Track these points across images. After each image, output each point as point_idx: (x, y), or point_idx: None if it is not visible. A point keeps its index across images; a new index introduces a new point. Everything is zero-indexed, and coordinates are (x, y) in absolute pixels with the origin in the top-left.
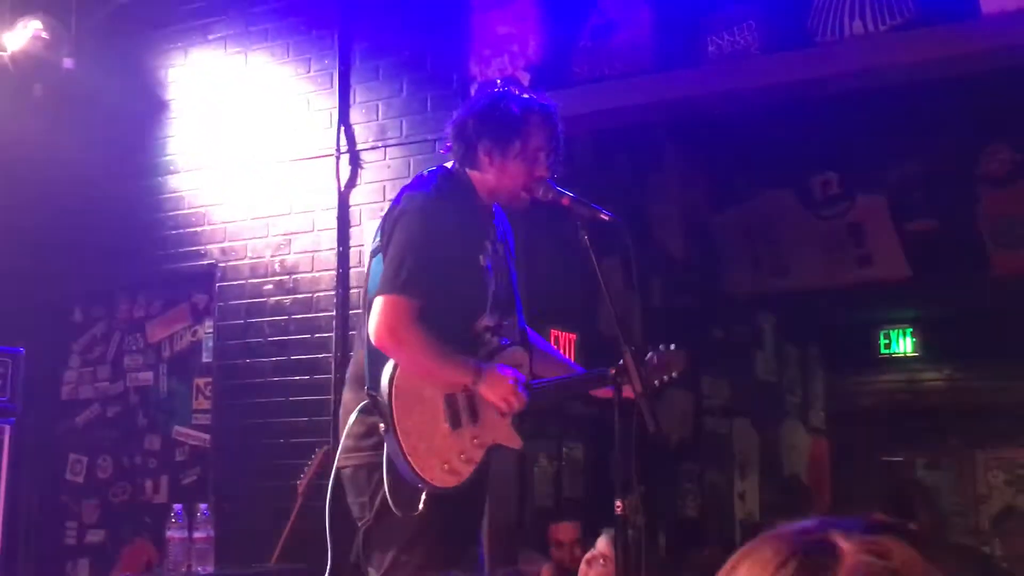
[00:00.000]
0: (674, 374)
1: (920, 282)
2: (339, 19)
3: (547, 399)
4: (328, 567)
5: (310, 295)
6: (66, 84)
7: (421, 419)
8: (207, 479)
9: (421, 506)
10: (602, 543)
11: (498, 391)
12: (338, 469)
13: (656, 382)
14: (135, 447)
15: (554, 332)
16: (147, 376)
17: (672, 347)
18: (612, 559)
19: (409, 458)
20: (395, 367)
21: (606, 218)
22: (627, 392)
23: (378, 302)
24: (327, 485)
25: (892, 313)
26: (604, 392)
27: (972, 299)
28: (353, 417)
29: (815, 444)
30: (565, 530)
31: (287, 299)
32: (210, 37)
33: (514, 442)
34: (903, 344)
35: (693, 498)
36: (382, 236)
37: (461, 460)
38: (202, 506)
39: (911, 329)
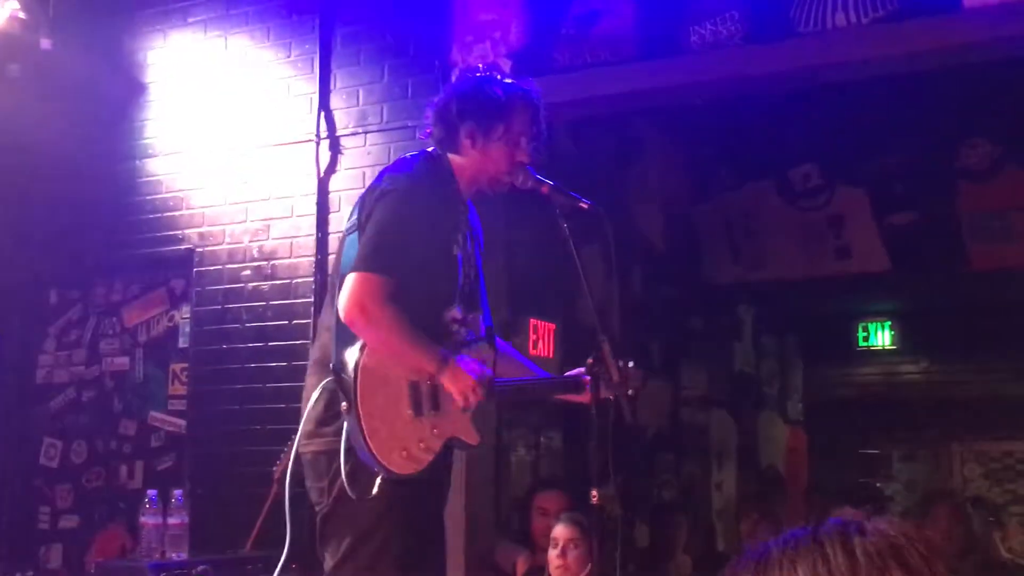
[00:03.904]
0: (630, 392)
1: (899, 275)
2: (321, 3)
3: (509, 398)
4: (284, 552)
5: (288, 281)
6: (43, 65)
7: (384, 402)
8: (182, 465)
9: (375, 490)
10: (561, 530)
11: (459, 384)
12: (299, 454)
13: (611, 397)
14: (110, 432)
15: (533, 321)
16: (123, 361)
17: (631, 364)
18: (577, 539)
19: (368, 440)
20: (363, 347)
21: (586, 207)
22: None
23: (351, 278)
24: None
25: (871, 306)
26: (571, 397)
27: (950, 293)
28: (314, 397)
29: (792, 435)
30: (551, 499)
31: (265, 285)
32: (190, 20)
33: (471, 438)
34: (881, 337)
35: (670, 488)
36: (360, 215)
37: (420, 448)
38: (177, 492)
39: (889, 322)
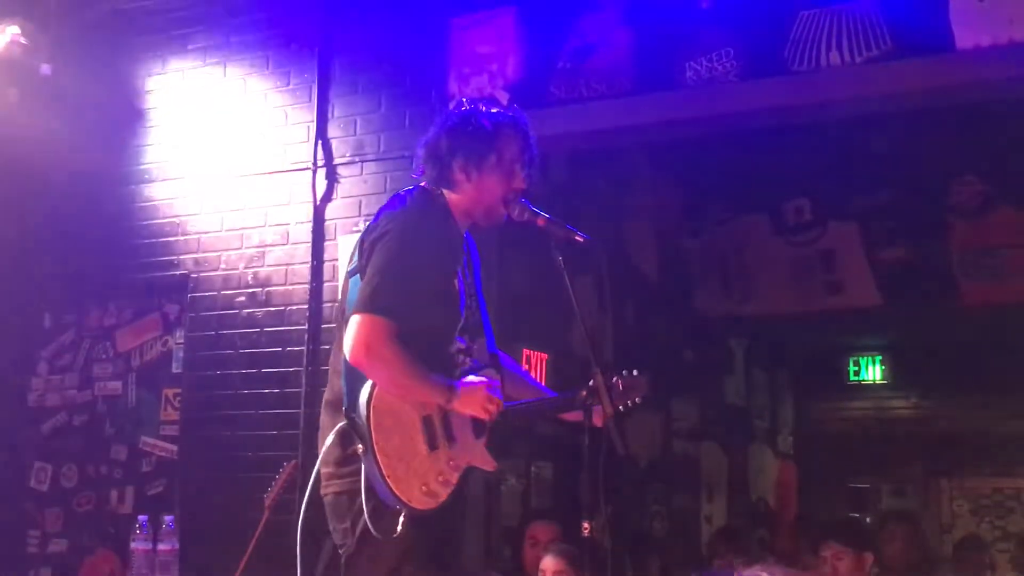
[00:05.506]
0: (637, 399)
1: (890, 310)
2: (319, 33)
3: (519, 420)
4: None
5: (282, 308)
6: (43, 90)
7: (400, 440)
8: (173, 490)
9: (400, 528)
10: (549, 561)
11: (474, 401)
12: (320, 497)
13: (620, 407)
14: (101, 456)
15: (527, 351)
16: (115, 385)
17: (635, 372)
18: (565, 571)
19: (388, 480)
20: (373, 388)
21: (580, 240)
22: (597, 417)
23: (355, 320)
24: (294, 499)
25: (861, 340)
26: (574, 416)
27: (941, 329)
28: (330, 441)
29: (783, 468)
30: (543, 529)
31: (259, 311)
32: (189, 47)
33: (488, 464)
34: (872, 372)
35: (660, 520)
36: (360, 257)
37: (439, 482)
38: (167, 518)
39: (880, 357)
